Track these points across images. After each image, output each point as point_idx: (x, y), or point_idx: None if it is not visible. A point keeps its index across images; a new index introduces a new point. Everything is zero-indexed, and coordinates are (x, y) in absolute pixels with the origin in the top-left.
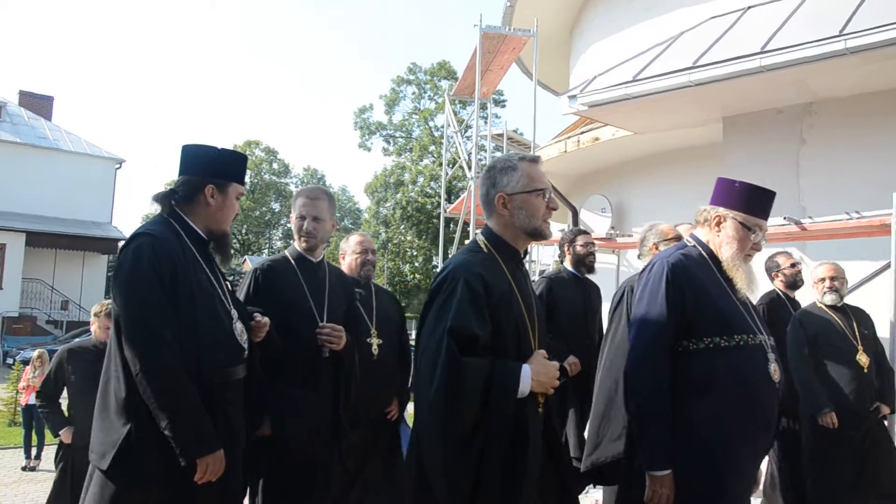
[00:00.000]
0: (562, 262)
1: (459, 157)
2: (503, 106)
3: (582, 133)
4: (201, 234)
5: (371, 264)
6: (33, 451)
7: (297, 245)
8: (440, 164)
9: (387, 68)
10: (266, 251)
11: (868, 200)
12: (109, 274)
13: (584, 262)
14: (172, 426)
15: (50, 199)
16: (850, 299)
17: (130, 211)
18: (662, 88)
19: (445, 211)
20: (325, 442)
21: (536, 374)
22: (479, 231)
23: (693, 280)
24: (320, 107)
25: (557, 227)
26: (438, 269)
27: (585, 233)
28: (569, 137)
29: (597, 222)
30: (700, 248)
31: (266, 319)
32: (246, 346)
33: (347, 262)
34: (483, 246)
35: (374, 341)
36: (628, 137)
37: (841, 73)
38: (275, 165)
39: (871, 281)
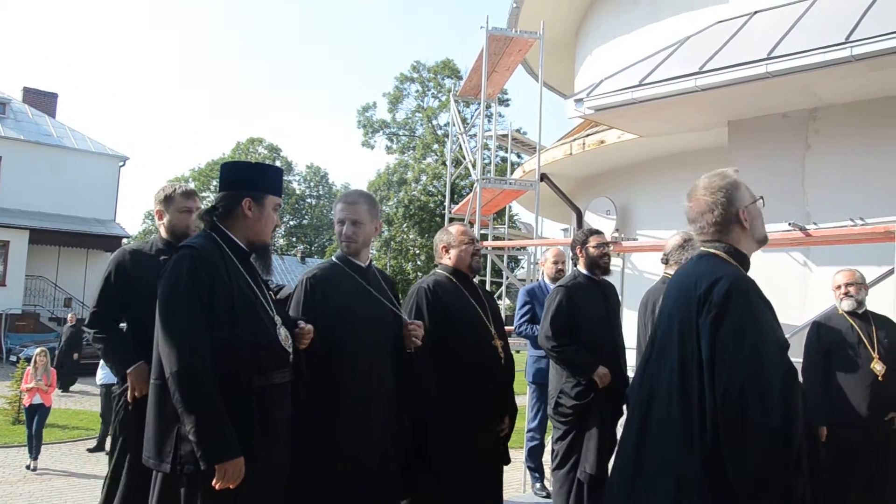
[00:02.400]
0: (575, 264)
1: (464, 158)
2: (507, 105)
3: (587, 136)
4: (242, 246)
5: (479, 255)
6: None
7: (341, 250)
8: (443, 163)
9: (390, 66)
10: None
11: (873, 207)
12: None
13: (599, 264)
14: (195, 430)
15: (53, 196)
16: None
17: (134, 208)
18: (668, 93)
19: (450, 211)
20: (390, 449)
21: None
22: (698, 243)
23: None
24: (323, 104)
25: (560, 227)
26: (688, 279)
27: (598, 232)
28: (574, 140)
29: (601, 225)
30: None
31: (310, 326)
32: (290, 349)
33: (454, 255)
34: (728, 260)
35: (498, 343)
36: (634, 140)
37: (846, 79)
38: (277, 163)
39: (874, 287)
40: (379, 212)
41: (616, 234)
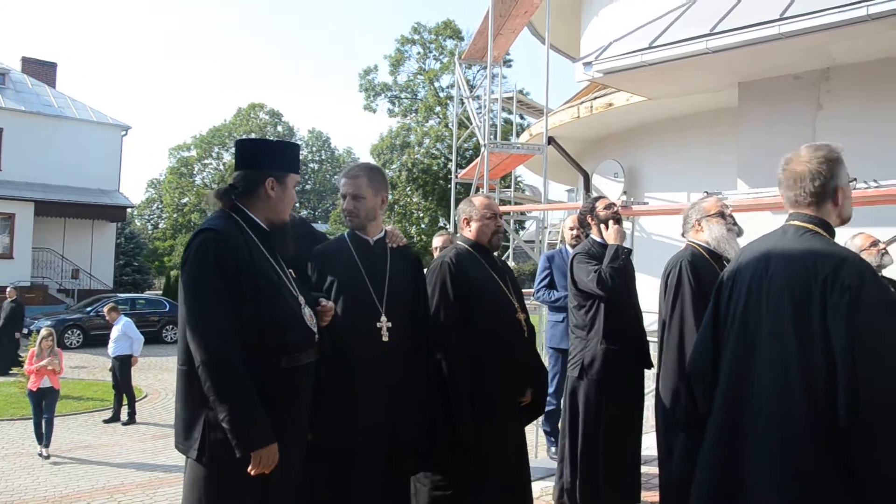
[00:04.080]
0: (587, 235)
1: (469, 122)
2: (510, 66)
3: (595, 98)
4: (263, 226)
5: (502, 232)
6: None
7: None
8: (446, 126)
9: (391, 28)
10: None
11: (886, 168)
12: (118, 241)
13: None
14: (229, 419)
15: (57, 167)
16: None
17: (137, 178)
18: (679, 55)
19: (457, 177)
20: (385, 440)
21: None
22: (794, 217)
23: None
24: (325, 68)
25: (564, 188)
26: (818, 255)
27: (602, 196)
28: (582, 102)
29: (609, 188)
30: None
31: (331, 304)
32: (315, 329)
33: (475, 228)
34: (827, 237)
35: (521, 317)
36: (642, 102)
37: (861, 39)
38: (279, 128)
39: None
40: (385, 183)
41: (624, 198)
